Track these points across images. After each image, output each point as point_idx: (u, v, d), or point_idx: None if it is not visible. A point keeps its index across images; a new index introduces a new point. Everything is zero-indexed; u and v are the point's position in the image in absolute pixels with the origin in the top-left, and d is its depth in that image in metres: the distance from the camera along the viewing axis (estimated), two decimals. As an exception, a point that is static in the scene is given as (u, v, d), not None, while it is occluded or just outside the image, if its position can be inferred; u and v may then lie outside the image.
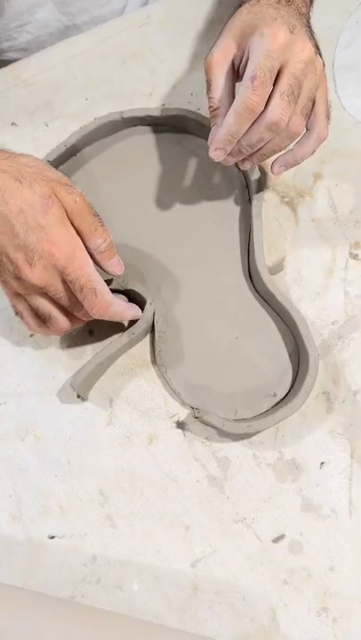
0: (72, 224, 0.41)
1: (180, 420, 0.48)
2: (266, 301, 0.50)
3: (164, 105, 0.56)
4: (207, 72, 0.44)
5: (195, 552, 0.45)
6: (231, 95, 0.44)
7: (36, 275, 0.40)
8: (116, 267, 0.44)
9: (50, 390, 0.49)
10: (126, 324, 0.50)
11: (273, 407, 0.48)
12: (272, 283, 0.49)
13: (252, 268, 0.51)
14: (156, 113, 0.53)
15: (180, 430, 0.48)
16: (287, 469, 0.47)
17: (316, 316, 0.50)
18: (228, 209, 0.53)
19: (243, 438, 0.48)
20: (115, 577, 0.45)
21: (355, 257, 0.52)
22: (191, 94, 0.56)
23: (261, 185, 0.52)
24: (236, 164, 0.47)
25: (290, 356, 0.49)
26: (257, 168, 0.51)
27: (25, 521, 0.46)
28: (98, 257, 0.43)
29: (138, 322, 0.47)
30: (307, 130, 0.45)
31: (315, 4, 0.49)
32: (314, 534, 0.46)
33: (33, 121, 0.56)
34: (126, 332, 0.47)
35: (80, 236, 0.42)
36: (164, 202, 0.53)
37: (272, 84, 0.41)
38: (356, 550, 0.45)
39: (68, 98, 0.57)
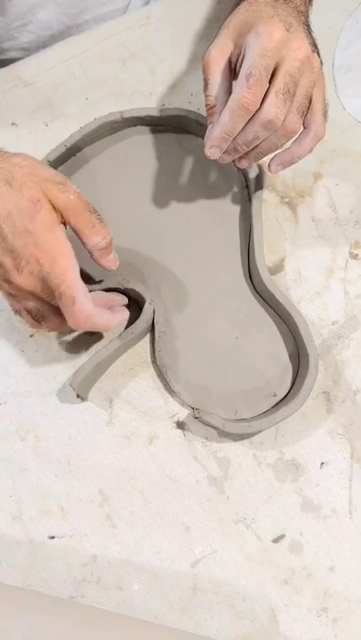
0: (68, 223, 0.41)
1: (180, 420, 0.48)
2: (266, 301, 0.50)
3: (164, 105, 0.56)
4: (204, 70, 0.44)
5: (195, 552, 0.45)
6: (228, 93, 0.44)
7: (23, 279, 0.40)
8: (111, 262, 0.44)
9: (50, 390, 0.49)
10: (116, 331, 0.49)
11: (273, 407, 0.48)
12: (272, 283, 0.49)
13: (252, 268, 0.51)
14: (156, 113, 0.53)
15: (180, 430, 0.48)
16: (287, 469, 0.47)
17: (316, 316, 0.50)
18: (228, 209, 0.53)
19: (243, 438, 0.48)
20: (115, 577, 0.45)
21: (355, 257, 0.52)
22: (191, 94, 0.56)
23: (260, 184, 0.52)
24: (234, 162, 0.47)
25: (290, 356, 0.49)
26: (255, 166, 0.51)
27: (25, 521, 0.46)
28: (96, 254, 0.43)
29: (138, 322, 0.47)
30: (304, 128, 0.44)
31: (314, 3, 0.49)
32: (314, 534, 0.46)
33: (33, 121, 0.56)
34: (125, 331, 0.47)
35: (77, 233, 0.42)
36: (164, 202, 0.53)
37: (268, 82, 0.40)
38: (357, 550, 0.45)
39: (68, 98, 0.57)
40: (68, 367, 0.49)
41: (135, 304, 0.50)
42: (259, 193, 0.51)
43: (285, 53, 0.41)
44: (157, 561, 0.45)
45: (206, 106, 0.44)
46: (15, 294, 0.42)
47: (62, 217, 0.41)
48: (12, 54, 0.64)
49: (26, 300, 0.42)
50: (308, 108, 0.43)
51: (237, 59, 0.43)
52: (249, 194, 0.52)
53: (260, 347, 0.49)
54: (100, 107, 0.56)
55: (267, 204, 0.53)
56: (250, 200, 0.52)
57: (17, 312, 0.44)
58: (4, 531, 0.46)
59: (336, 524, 0.46)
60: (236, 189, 0.53)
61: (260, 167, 0.52)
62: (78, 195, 0.41)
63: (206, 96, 0.44)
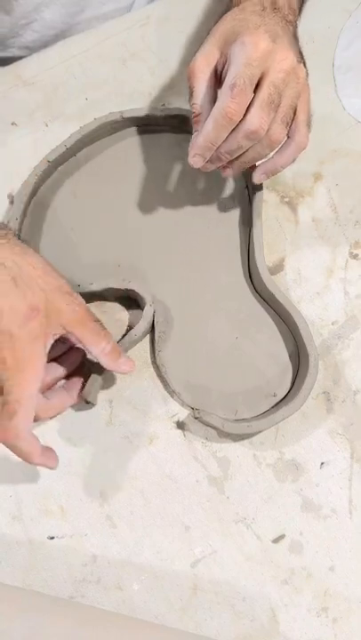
0: (72, 333, 0.41)
1: (180, 420, 0.48)
2: (266, 301, 0.50)
3: (163, 105, 0.56)
4: (189, 78, 0.43)
5: (195, 552, 0.45)
6: (213, 102, 0.43)
7: None
8: (125, 365, 0.43)
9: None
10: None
11: (273, 407, 0.48)
12: (272, 283, 0.49)
13: (252, 268, 0.51)
14: (156, 113, 0.53)
15: (180, 430, 0.48)
16: (287, 469, 0.47)
17: (316, 316, 0.50)
18: (228, 209, 0.53)
19: (243, 438, 0.48)
20: (115, 577, 0.45)
21: (355, 257, 0.52)
22: (191, 94, 0.56)
23: (261, 184, 0.52)
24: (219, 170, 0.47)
25: (290, 356, 0.49)
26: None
27: (25, 521, 0.46)
28: (105, 359, 0.42)
29: (139, 324, 0.47)
30: (288, 138, 0.44)
31: (315, 3, 0.49)
32: (314, 534, 0.46)
33: (33, 121, 0.56)
34: (128, 334, 0.47)
35: (83, 343, 0.41)
36: (164, 201, 0.53)
37: (252, 92, 0.40)
38: (357, 550, 0.45)
39: (68, 98, 0.57)
40: (68, 367, 0.49)
41: (135, 304, 0.50)
42: (259, 193, 0.51)
43: (270, 64, 0.41)
44: (157, 561, 0.45)
45: (192, 114, 0.44)
46: None
47: (64, 329, 0.40)
48: (15, 52, 0.64)
49: None
50: (293, 119, 0.43)
51: (223, 67, 0.43)
52: (249, 194, 0.53)
53: (260, 347, 0.49)
54: (100, 107, 0.56)
55: (267, 204, 0.53)
56: (250, 200, 0.52)
57: None
58: (3, 531, 0.46)
59: (336, 524, 0.46)
60: (236, 189, 0.53)
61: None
62: (83, 306, 0.41)
63: (192, 104, 0.44)
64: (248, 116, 0.41)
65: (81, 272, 0.50)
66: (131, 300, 0.50)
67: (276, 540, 0.46)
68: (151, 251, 0.52)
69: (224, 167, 0.46)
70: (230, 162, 0.45)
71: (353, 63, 0.58)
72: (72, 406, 0.46)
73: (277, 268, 0.52)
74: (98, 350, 0.42)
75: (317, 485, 0.47)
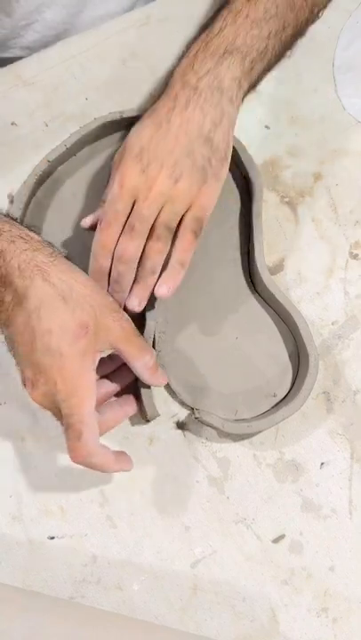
0: (117, 349, 0.41)
1: (180, 420, 0.48)
2: (266, 301, 0.50)
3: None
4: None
5: (195, 552, 0.45)
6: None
7: (35, 396, 0.40)
8: (161, 378, 0.44)
9: (50, 390, 0.49)
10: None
11: (273, 407, 0.48)
12: (272, 283, 0.49)
13: (252, 268, 0.51)
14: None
15: (180, 430, 0.48)
16: (287, 469, 0.47)
17: (316, 316, 0.50)
18: (228, 209, 0.53)
19: (243, 439, 0.48)
20: (115, 577, 0.45)
21: (355, 257, 0.52)
22: (191, 94, 0.56)
23: (261, 184, 0.51)
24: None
25: (290, 356, 0.49)
26: (255, 166, 0.51)
27: (25, 521, 0.46)
28: (147, 373, 0.42)
29: (145, 334, 0.47)
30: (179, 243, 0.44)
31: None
32: (314, 534, 0.46)
33: (33, 121, 0.56)
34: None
35: (127, 357, 0.41)
36: (163, 202, 0.53)
37: (122, 221, 0.43)
38: (357, 550, 0.45)
39: (67, 98, 0.57)
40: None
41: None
42: (259, 193, 0.51)
43: (137, 194, 0.43)
44: (157, 561, 0.45)
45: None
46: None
47: (111, 345, 0.41)
48: (16, 52, 0.64)
49: None
50: (174, 232, 0.44)
51: None
52: (249, 194, 0.52)
53: (260, 347, 0.49)
54: (100, 107, 0.56)
55: (267, 204, 0.53)
56: (250, 200, 0.52)
57: None
58: (4, 531, 0.46)
59: (336, 524, 0.46)
60: (236, 189, 0.53)
61: (260, 169, 0.52)
62: (129, 322, 0.42)
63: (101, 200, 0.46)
64: (117, 243, 0.43)
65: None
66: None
67: (276, 540, 0.46)
68: (151, 251, 0.52)
69: (130, 296, 0.45)
70: (131, 290, 0.45)
71: (353, 63, 0.58)
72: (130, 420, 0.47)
73: (277, 268, 0.52)
74: (141, 364, 0.42)
75: (317, 485, 0.47)
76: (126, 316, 0.42)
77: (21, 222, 0.51)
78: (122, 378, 0.46)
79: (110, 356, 0.45)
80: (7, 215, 0.44)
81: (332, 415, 0.48)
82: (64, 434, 0.39)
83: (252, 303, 0.51)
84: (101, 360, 0.41)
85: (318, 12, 0.51)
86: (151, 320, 0.48)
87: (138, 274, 0.44)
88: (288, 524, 0.46)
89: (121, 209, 0.43)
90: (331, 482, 0.47)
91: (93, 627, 0.43)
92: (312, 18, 0.51)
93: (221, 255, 0.52)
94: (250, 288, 0.51)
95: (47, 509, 0.46)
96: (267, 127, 0.55)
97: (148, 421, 0.46)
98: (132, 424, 0.48)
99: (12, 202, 0.53)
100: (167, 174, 0.43)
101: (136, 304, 0.44)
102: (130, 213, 0.43)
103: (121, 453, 0.43)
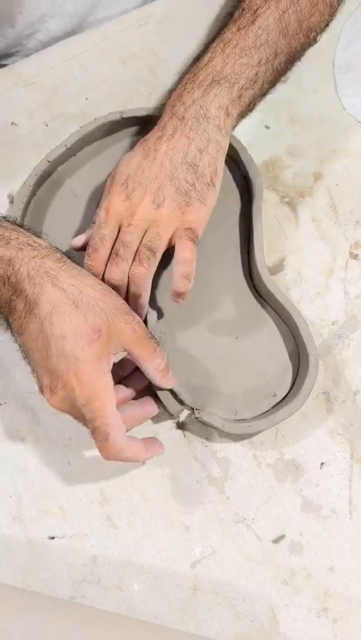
0: (129, 352, 0.41)
1: (180, 420, 0.48)
2: (266, 301, 0.50)
3: (164, 105, 0.56)
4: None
5: (195, 552, 0.45)
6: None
7: (54, 402, 0.40)
8: (171, 380, 0.44)
9: (50, 390, 0.49)
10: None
11: (273, 407, 0.48)
12: (272, 283, 0.49)
13: (252, 268, 0.51)
14: (157, 113, 0.53)
15: (180, 430, 0.48)
16: (287, 470, 0.47)
17: (316, 316, 0.50)
18: (228, 209, 0.53)
19: (243, 439, 0.48)
20: (115, 577, 0.45)
21: (355, 257, 0.52)
22: (191, 94, 0.56)
23: (261, 184, 0.51)
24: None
25: (290, 356, 0.49)
26: (255, 166, 0.51)
27: (25, 521, 0.46)
28: (158, 375, 0.43)
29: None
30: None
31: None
32: (314, 534, 0.46)
33: (33, 121, 0.56)
34: None
35: (139, 360, 0.42)
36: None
37: (109, 246, 0.45)
38: (357, 550, 0.45)
39: (68, 98, 0.57)
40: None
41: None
42: (259, 193, 0.51)
43: (121, 221, 0.44)
44: (157, 561, 0.45)
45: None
46: None
47: (123, 348, 0.41)
48: (17, 60, 0.64)
49: None
50: (156, 253, 0.44)
51: None
52: (249, 194, 0.52)
53: (260, 347, 0.49)
54: (100, 107, 0.56)
55: (267, 204, 0.53)
56: (250, 200, 0.52)
57: None
58: (4, 531, 0.46)
59: (336, 525, 0.46)
60: (236, 189, 0.53)
61: (260, 169, 0.52)
62: (141, 324, 0.42)
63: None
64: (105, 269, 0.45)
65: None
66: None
67: (276, 541, 0.46)
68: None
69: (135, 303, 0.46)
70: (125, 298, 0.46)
71: (353, 63, 0.58)
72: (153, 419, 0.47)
73: (277, 268, 0.52)
74: (153, 367, 0.42)
75: (317, 486, 0.47)
76: (138, 318, 0.42)
77: (21, 222, 0.51)
78: (136, 382, 0.46)
79: (120, 363, 0.46)
80: (14, 222, 0.44)
81: (332, 415, 0.48)
82: (91, 437, 0.39)
83: (252, 303, 0.51)
84: (113, 366, 0.41)
85: (315, 37, 0.51)
86: (151, 320, 0.48)
87: (126, 296, 0.45)
88: (288, 525, 0.46)
89: (107, 234, 0.45)
90: (331, 482, 0.47)
91: (93, 627, 0.43)
92: (308, 42, 0.51)
93: (221, 255, 0.52)
94: (250, 288, 0.51)
95: (47, 509, 0.46)
96: (267, 127, 0.55)
97: (173, 416, 0.47)
98: (158, 421, 0.48)
99: (12, 202, 0.53)
100: (150, 199, 0.44)
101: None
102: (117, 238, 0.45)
103: (150, 440, 0.44)
